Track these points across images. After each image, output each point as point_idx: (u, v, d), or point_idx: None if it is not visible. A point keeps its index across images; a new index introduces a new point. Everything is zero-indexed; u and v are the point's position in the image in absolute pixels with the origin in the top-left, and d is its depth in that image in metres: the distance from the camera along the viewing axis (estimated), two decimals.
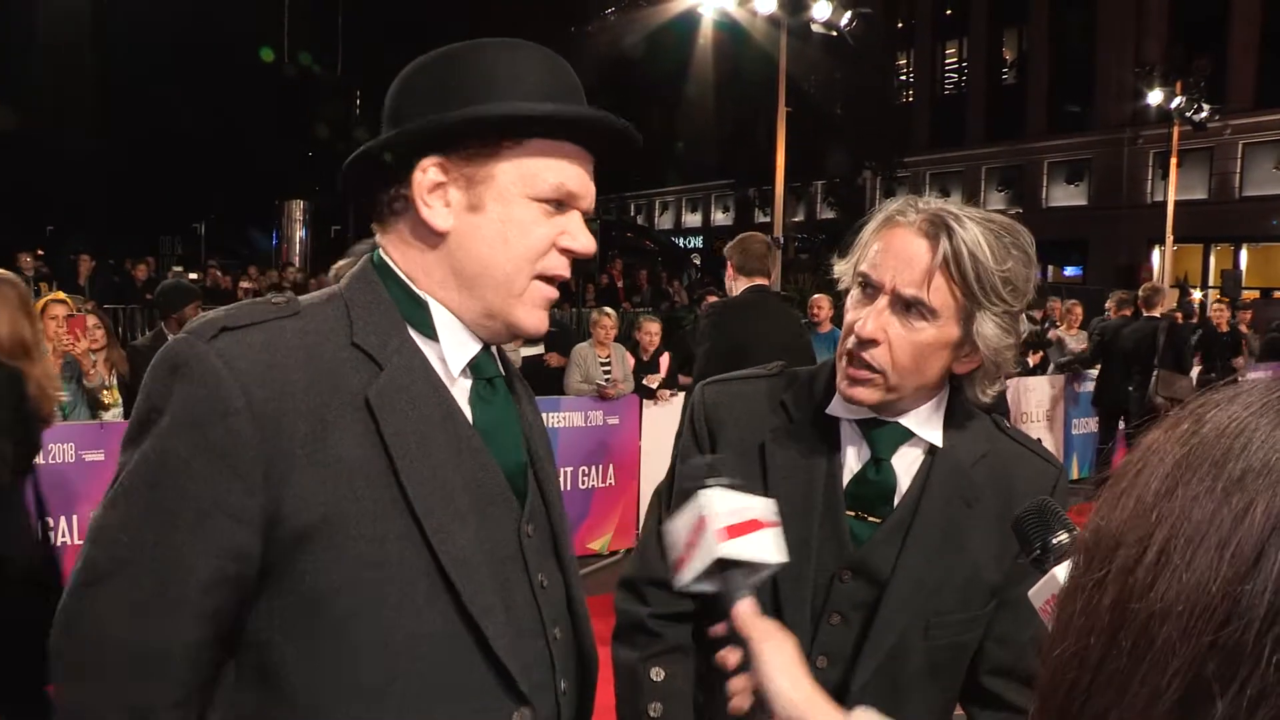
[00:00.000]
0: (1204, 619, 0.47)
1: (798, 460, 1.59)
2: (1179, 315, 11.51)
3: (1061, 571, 1.14)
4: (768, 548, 1.26)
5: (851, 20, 15.84)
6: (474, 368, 1.31)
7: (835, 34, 16.55)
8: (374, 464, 1.17)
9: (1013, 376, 7.95)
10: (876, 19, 19.41)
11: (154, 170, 32.51)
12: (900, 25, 37.34)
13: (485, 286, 1.27)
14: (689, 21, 21.96)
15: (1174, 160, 26.12)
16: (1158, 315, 9.91)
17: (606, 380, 7.74)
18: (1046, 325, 11.04)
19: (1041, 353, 9.85)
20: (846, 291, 1.59)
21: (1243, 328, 12.19)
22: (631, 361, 8.21)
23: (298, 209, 23.79)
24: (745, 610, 1.24)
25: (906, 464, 1.58)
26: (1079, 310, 10.90)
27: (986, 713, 1.61)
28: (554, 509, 1.41)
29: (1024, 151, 33.80)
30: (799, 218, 37.81)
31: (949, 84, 37.33)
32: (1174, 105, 24.33)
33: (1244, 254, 29.75)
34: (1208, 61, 25.27)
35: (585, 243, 1.31)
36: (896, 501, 1.56)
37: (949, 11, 36.30)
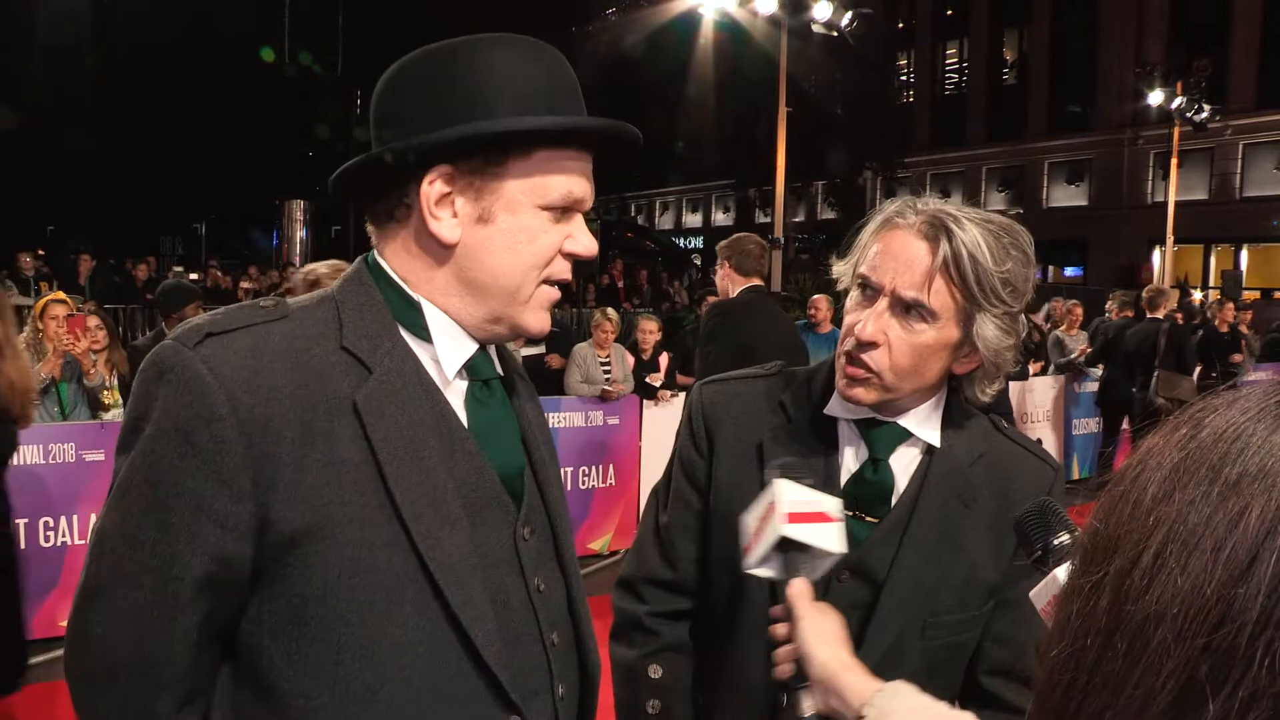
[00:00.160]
0: (1198, 622, 0.47)
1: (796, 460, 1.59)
2: (1179, 316, 11.53)
3: (1063, 572, 1.14)
4: (829, 538, 1.32)
5: (852, 20, 15.85)
6: (470, 369, 1.31)
7: (836, 34, 16.56)
8: (362, 469, 1.16)
9: (1017, 380, 7.95)
10: (877, 19, 19.41)
11: (154, 170, 32.53)
12: (901, 25, 37.37)
13: (493, 295, 1.26)
14: (690, 22, 21.97)
15: (1174, 161, 26.12)
16: (1160, 317, 9.95)
17: (606, 380, 7.74)
18: (1049, 325, 11.04)
19: (1042, 362, 9.86)
20: (845, 292, 1.59)
21: (1243, 328, 12.18)
22: (631, 361, 8.21)
23: (298, 209, 23.78)
24: (797, 587, 1.31)
25: (904, 464, 1.58)
26: (1079, 311, 10.90)
27: (985, 713, 1.61)
28: (555, 511, 1.39)
29: (1024, 152, 33.81)
30: (800, 218, 37.82)
31: (950, 84, 37.33)
32: (1175, 106, 24.34)
33: (1244, 254, 29.75)
34: (1208, 62, 25.26)
35: (588, 245, 1.31)
36: (894, 501, 1.56)
37: (950, 12, 36.31)
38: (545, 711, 1.30)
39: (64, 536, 5.45)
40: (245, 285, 15.84)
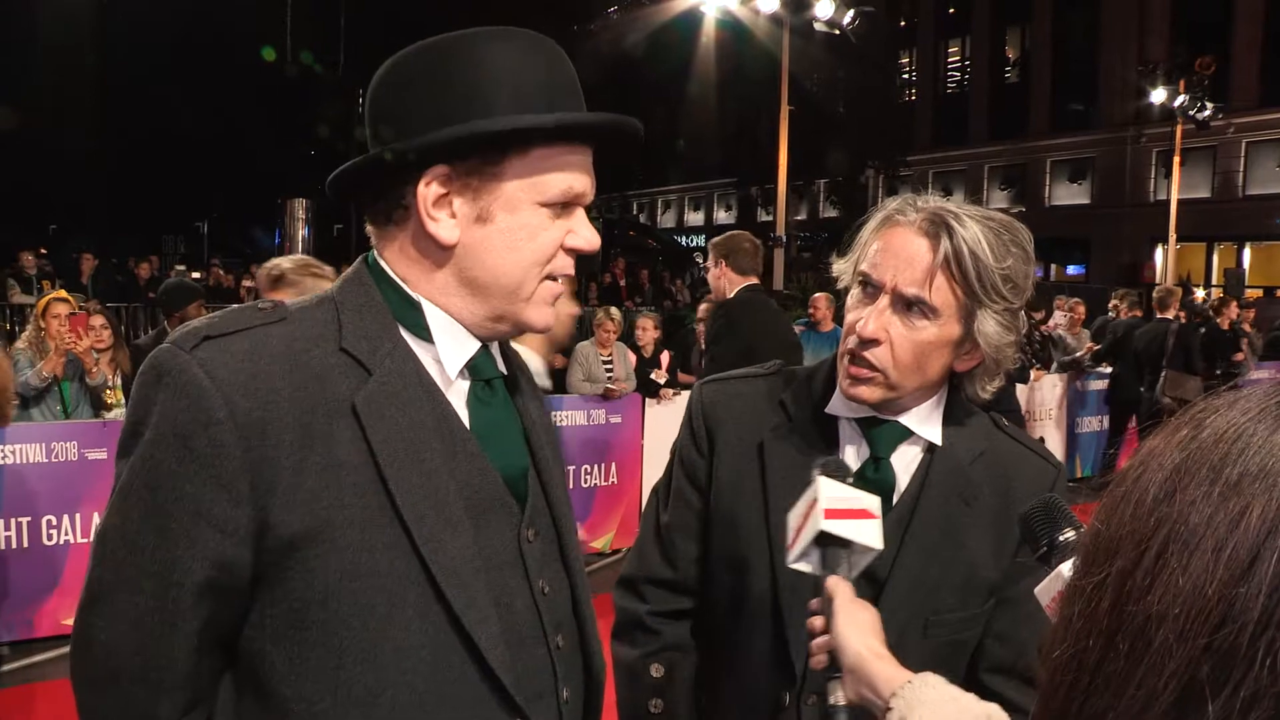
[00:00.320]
0: (1200, 622, 0.48)
1: (796, 458, 1.59)
2: (1182, 315, 11.52)
3: (1068, 568, 1.14)
4: (867, 533, 1.34)
5: (854, 19, 15.85)
6: (472, 369, 1.29)
7: (838, 33, 16.56)
8: (362, 472, 1.15)
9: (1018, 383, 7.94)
10: (879, 17, 19.40)
11: (157, 169, 32.57)
12: (903, 24, 37.34)
13: (495, 294, 1.25)
14: (692, 20, 21.97)
15: (1177, 159, 26.11)
16: (1170, 317, 9.98)
17: (609, 379, 7.74)
18: (1053, 326, 11.04)
19: (1044, 371, 9.86)
20: (846, 290, 1.58)
21: (1246, 326, 12.18)
22: (633, 359, 8.21)
23: (300, 208, 23.75)
24: (834, 581, 1.32)
25: (905, 462, 1.58)
26: (1081, 309, 10.90)
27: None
28: (559, 512, 1.38)
29: (1027, 150, 33.78)
30: (801, 216, 37.83)
31: (952, 83, 37.30)
32: (1177, 104, 24.32)
33: (1247, 253, 29.72)
34: (1211, 60, 25.24)
35: (590, 238, 1.29)
36: (895, 500, 1.56)
37: (952, 10, 36.27)
38: (549, 714, 1.30)
39: (66, 535, 5.46)
40: (247, 284, 15.84)
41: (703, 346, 7.48)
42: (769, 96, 20.46)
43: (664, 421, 7.57)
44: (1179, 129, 25.43)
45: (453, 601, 1.18)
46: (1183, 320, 10.29)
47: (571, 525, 1.40)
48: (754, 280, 5.08)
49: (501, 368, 1.35)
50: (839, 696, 1.25)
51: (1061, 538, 1.17)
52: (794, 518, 1.39)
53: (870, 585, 1.53)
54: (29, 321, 6.26)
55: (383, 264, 1.27)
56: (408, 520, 1.16)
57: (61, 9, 30.73)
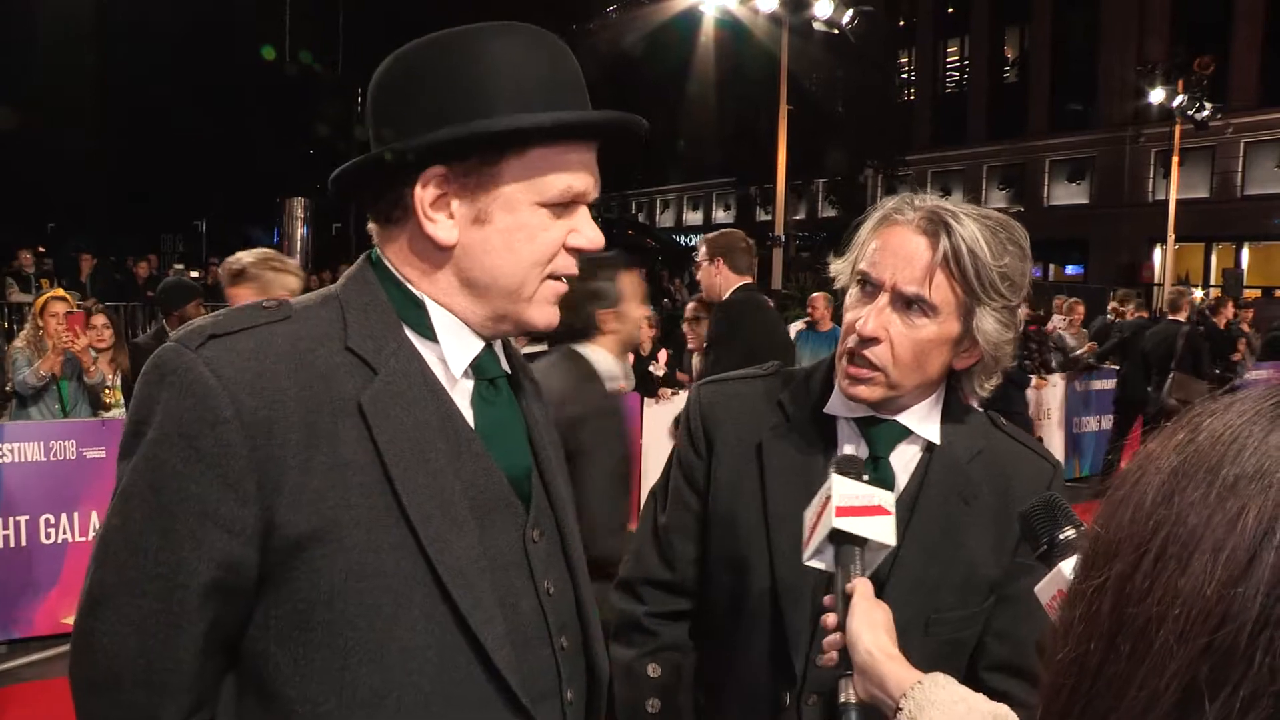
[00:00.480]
0: (1200, 622, 0.48)
1: (795, 459, 1.59)
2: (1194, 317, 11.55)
3: (1067, 566, 1.15)
4: (879, 529, 1.34)
5: (853, 18, 15.85)
6: (476, 368, 1.29)
7: (837, 32, 16.57)
8: (368, 472, 1.15)
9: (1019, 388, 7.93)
10: (878, 17, 19.41)
11: (155, 168, 32.56)
12: (902, 23, 37.35)
13: (495, 294, 1.24)
14: (691, 19, 21.98)
15: (1176, 159, 26.12)
16: (1181, 319, 10.02)
17: None
18: (1051, 328, 11.06)
19: (1045, 380, 9.88)
20: (844, 290, 1.59)
21: (1244, 326, 12.20)
22: (631, 358, 8.20)
23: (299, 206, 23.73)
24: (857, 581, 1.32)
25: (904, 461, 1.58)
26: (1081, 309, 10.91)
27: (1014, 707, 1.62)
28: (562, 512, 1.37)
29: (1025, 150, 33.79)
30: (800, 216, 37.83)
31: (950, 82, 37.31)
32: (1176, 104, 24.33)
33: (1245, 253, 29.74)
34: (1210, 60, 25.25)
35: (593, 237, 1.27)
36: (895, 499, 1.56)
37: (950, 10, 36.29)
38: (554, 715, 1.29)
39: (65, 534, 5.46)
40: None
41: (690, 346, 7.49)
42: (768, 96, 20.47)
43: (662, 421, 7.56)
44: (1178, 129, 25.44)
45: (459, 602, 1.17)
46: (1193, 322, 10.33)
47: (574, 526, 1.40)
48: (749, 279, 5.07)
49: (505, 367, 1.35)
50: (850, 694, 1.26)
51: (1061, 536, 1.17)
52: (809, 515, 1.40)
53: (871, 584, 1.54)
54: (27, 320, 6.25)
55: (386, 262, 1.27)
56: (414, 520, 1.15)
57: (61, 9, 30.71)
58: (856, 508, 1.34)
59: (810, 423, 1.61)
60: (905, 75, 38.43)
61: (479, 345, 1.28)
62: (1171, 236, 26.21)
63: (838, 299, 1.65)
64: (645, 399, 7.75)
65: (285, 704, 1.16)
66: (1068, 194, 33.37)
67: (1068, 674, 0.54)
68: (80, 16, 31.26)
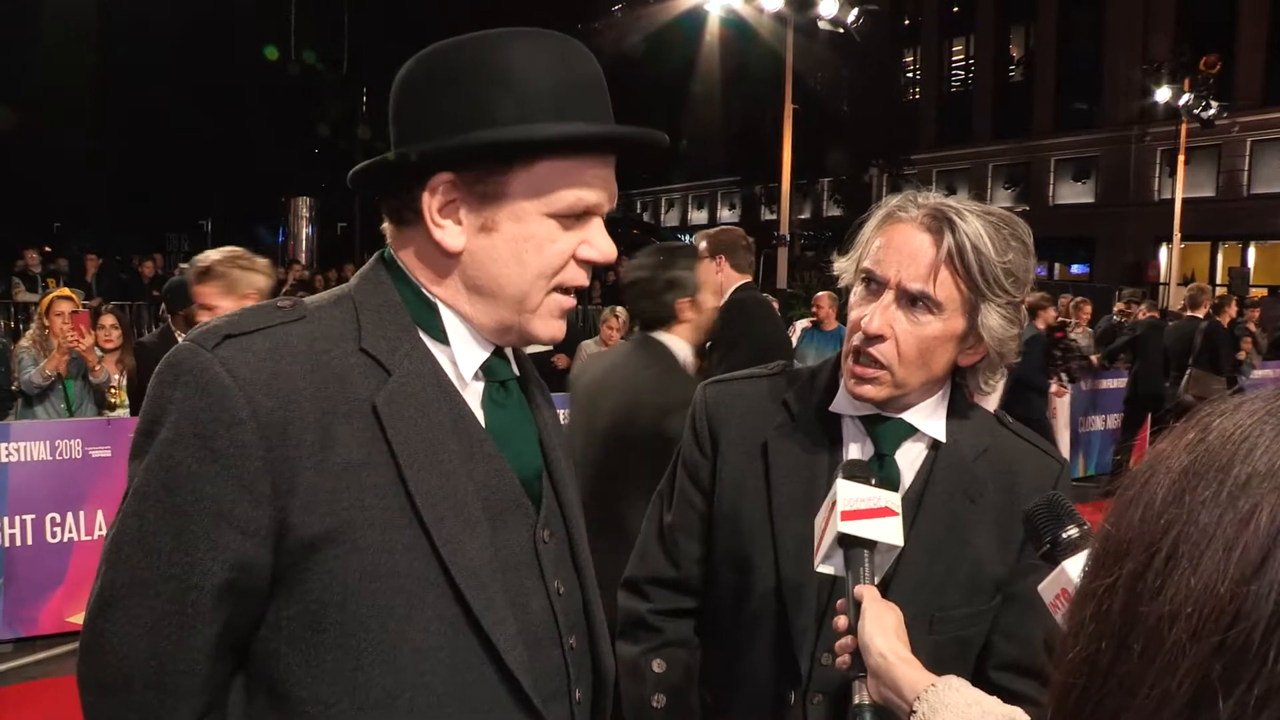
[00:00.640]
0: (1212, 620, 0.48)
1: (800, 457, 1.59)
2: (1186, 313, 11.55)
3: (1071, 565, 1.15)
4: (885, 531, 1.34)
5: (858, 17, 15.84)
6: (487, 370, 1.29)
7: (842, 31, 16.55)
8: (382, 473, 1.14)
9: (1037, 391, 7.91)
10: (883, 16, 19.39)
11: (160, 168, 32.63)
12: (907, 22, 37.33)
13: (499, 302, 1.24)
14: (695, 19, 21.97)
15: (1181, 158, 26.06)
16: (1200, 315, 10.05)
17: None
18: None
19: (1066, 389, 9.85)
20: (848, 288, 1.58)
21: (1250, 325, 12.17)
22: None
23: (304, 206, 23.84)
24: (863, 587, 1.32)
25: (909, 459, 1.58)
26: (1088, 309, 10.90)
27: (1029, 709, 1.61)
28: (570, 513, 1.37)
29: (1031, 149, 33.76)
30: (805, 215, 37.83)
31: (956, 81, 37.29)
32: (1182, 103, 24.30)
33: (1251, 252, 29.68)
34: (1216, 59, 25.20)
35: (605, 250, 1.26)
36: (900, 497, 1.56)
37: (956, 9, 36.26)
38: (563, 715, 1.29)
39: (70, 532, 5.47)
40: None
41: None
42: (773, 95, 20.45)
43: None
44: (1183, 128, 25.39)
45: (472, 603, 1.17)
46: (1212, 320, 10.34)
47: (581, 526, 1.40)
48: (749, 278, 5.06)
49: (515, 369, 1.35)
50: (863, 696, 1.26)
51: (1065, 535, 1.17)
52: (818, 522, 1.40)
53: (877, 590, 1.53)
54: (33, 319, 6.28)
55: (400, 263, 1.27)
56: (427, 521, 1.15)
57: (61, 9, 30.77)
58: (862, 510, 1.34)
59: (815, 421, 1.61)
60: (910, 74, 38.40)
61: (489, 349, 1.28)
62: (1177, 235, 26.15)
63: (843, 298, 1.65)
64: None
65: (296, 705, 1.15)
66: (1073, 193, 33.34)
67: (1078, 673, 0.54)
68: (80, 16, 31.32)
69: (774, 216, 23.99)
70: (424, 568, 1.16)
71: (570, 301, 1.28)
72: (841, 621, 1.32)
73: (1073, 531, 1.17)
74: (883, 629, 1.26)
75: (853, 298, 1.55)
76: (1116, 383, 10.68)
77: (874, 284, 1.50)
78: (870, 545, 1.34)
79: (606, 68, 1.31)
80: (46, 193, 29.99)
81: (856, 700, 1.26)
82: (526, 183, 1.19)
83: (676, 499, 1.72)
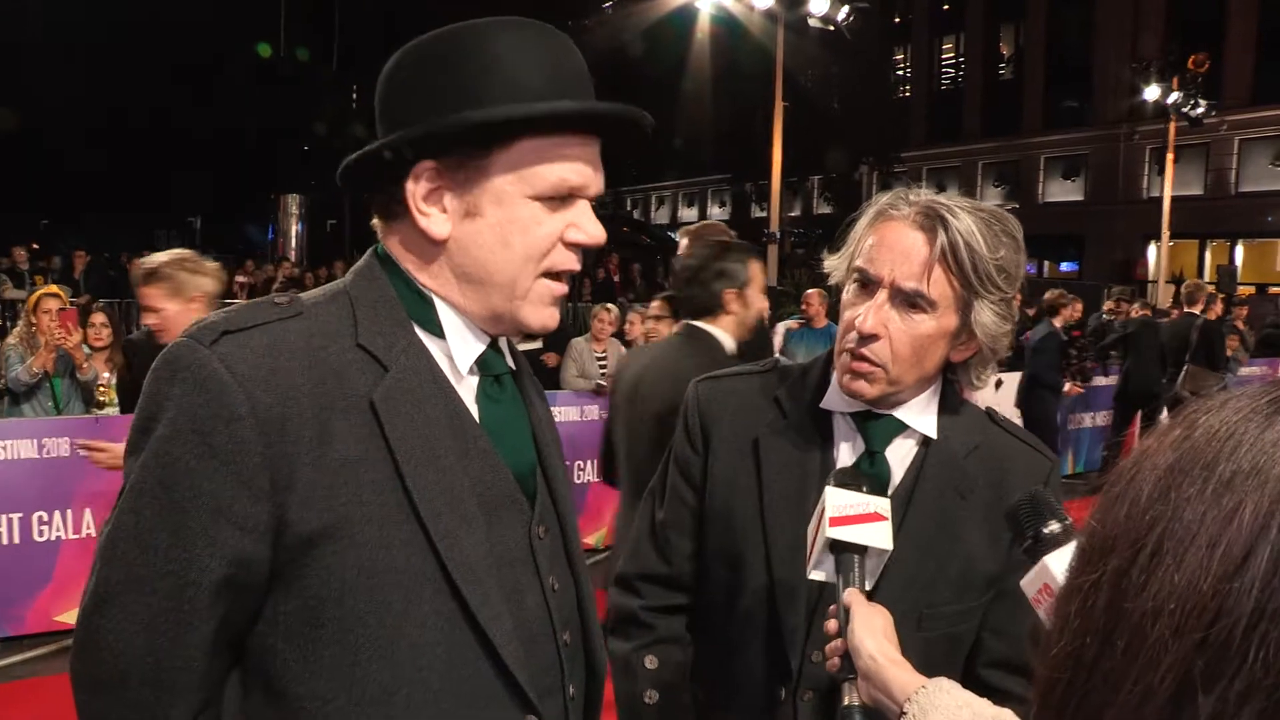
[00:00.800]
0: (1195, 617, 0.48)
1: (792, 454, 1.59)
2: (1175, 311, 11.62)
3: (1053, 560, 1.15)
4: (874, 535, 1.35)
5: (849, 15, 15.86)
6: (481, 365, 1.28)
7: (832, 29, 16.56)
8: (380, 469, 1.15)
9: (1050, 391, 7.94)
10: (873, 14, 19.40)
11: (150, 165, 32.51)
12: (897, 20, 37.37)
13: (489, 289, 1.23)
14: (686, 16, 21.95)
15: (1170, 156, 26.15)
16: (1197, 312, 10.11)
17: (602, 374, 7.75)
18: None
19: (1079, 386, 9.88)
20: (839, 286, 1.58)
21: (1238, 323, 12.25)
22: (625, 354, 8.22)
23: (294, 203, 23.80)
24: (851, 592, 1.33)
25: (900, 456, 1.58)
26: (1079, 307, 10.93)
27: (1017, 708, 1.62)
28: (564, 509, 1.38)
29: (1021, 147, 33.83)
30: (795, 212, 37.84)
31: (946, 79, 37.35)
32: (1170, 101, 24.36)
33: (1239, 250, 29.81)
34: (1204, 57, 25.29)
35: (593, 232, 1.25)
36: (890, 493, 1.56)
37: (946, 7, 36.32)
38: (557, 711, 1.30)
39: (58, 531, 5.44)
40: (240, 279, 15.82)
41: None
42: (763, 93, 20.48)
43: None
44: (1172, 126, 25.47)
45: (468, 598, 1.17)
46: (1175, 316, 10.42)
47: (574, 522, 1.40)
48: None
49: (511, 362, 1.35)
50: (853, 698, 1.26)
51: (1046, 530, 1.18)
52: (810, 530, 1.41)
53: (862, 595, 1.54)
54: (20, 317, 6.25)
55: (392, 256, 1.27)
56: (424, 517, 1.15)
57: (61, 9, 30.62)
58: (851, 516, 1.35)
59: (807, 419, 1.61)
60: (900, 72, 38.45)
61: (484, 343, 1.28)
62: (1166, 233, 26.24)
63: (833, 295, 1.65)
64: None
65: (293, 701, 1.15)
66: (1062, 191, 33.43)
67: (1063, 668, 0.54)
68: (80, 16, 31.19)
69: (764, 214, 24.01)
70: (421, 563, 1.16)
71: (561, 288, 1.27)
72: (831, 625, 1.32)
73: (1055, 527, 1.18)
74: (872, 631, 1.27)
75: (846, 296, 1.55)
76: (1104, 380, 10.73)
77: (867, 283, 1.51)
78: (860, 550, 1.35)
79: (596, 65, 1.31)
80: (39, 188, 29.87)
81: (846, 701, 1.26)
82: (507, 164, 1.19)
83: (668, 496, 1.72)
